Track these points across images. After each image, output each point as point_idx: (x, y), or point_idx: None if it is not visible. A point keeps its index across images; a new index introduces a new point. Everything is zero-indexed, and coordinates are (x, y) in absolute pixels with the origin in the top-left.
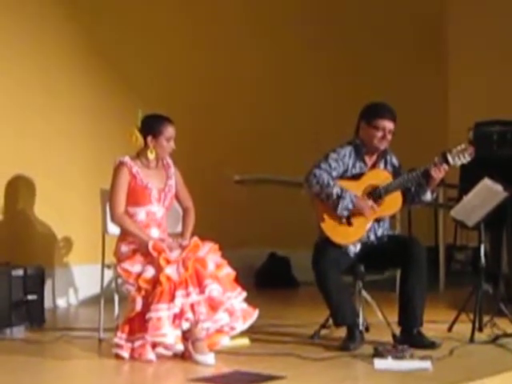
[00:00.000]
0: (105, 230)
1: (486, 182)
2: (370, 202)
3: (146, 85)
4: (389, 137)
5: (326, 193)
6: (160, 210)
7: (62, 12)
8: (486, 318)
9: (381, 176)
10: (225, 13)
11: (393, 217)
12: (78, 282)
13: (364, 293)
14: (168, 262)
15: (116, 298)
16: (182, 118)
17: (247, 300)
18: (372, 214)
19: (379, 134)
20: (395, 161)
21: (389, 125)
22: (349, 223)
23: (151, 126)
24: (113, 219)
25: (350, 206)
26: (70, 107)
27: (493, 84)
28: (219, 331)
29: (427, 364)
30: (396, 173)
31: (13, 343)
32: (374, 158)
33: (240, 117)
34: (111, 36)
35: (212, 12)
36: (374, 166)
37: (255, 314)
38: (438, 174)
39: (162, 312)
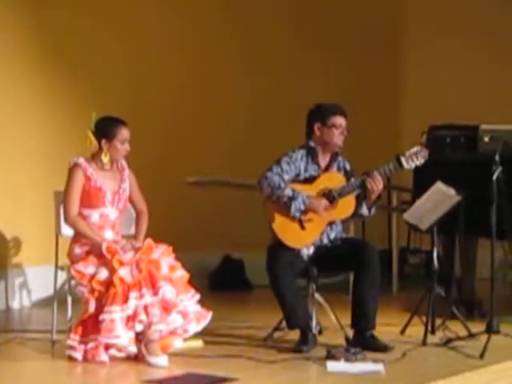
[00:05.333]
0: (58, 232)
1: (439, 186)
2: (325, 201)
3: (101, 84)
4: (345, 133)
5: (277, 195)
6: (114, 212)
7: (14, 5)
8: (438, 321)
9: (335, 179)
10: (195, 9)
11: (346, 220)
12: (31, 283)
13: (317, 295)
14: (121, 263)
15: (69, 299)
16: (139, 119)
17: (201, 302)
18: (327, 215)
19: (337, 131)
20: (347, 165)
21: (344, 121)
22: (302, 226)
23: (105, 129)
24: (66, 221)
25: (302, 207)
26: (19, 107)
27: (446, 86)
28: (172, 333)
29: (380, 367)
30: (348, 177)
31: None
32: (327, 160)
33: (194, 119)
34: (67, 32)
35: (180, 8)
36: (327, 168)
37: (209, 316)
38: (372, 185)
39: (116, 314)
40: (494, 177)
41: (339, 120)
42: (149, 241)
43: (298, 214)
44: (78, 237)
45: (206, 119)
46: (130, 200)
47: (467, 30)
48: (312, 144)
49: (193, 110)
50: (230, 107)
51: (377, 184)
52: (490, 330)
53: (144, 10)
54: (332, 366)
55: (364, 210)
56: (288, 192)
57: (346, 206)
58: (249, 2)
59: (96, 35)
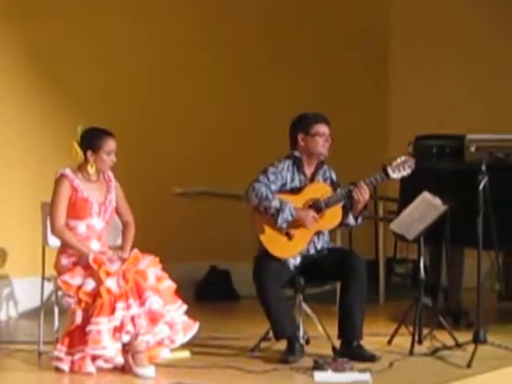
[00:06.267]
0: (45, 243)
1: (426, 196)
2: (312, 212)
3: (88, 95)
4: (329, 140)
5: (264, 206)
6: (100, 223)
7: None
8: (425, 331)
9: (321, 190)
10: (167, 20)
11: (333, 230)
12: (18, 294)
13: (304, 305)
14: (108, 274)
15: (56, 310)
16: (124, 131)
17: (188, 313)
18: (314, 225)
19: (321, 139)
20: (333, 175)
21: (327, 129)
22: (289, 236)
23: (90, 141)
24: (53, 232)
25: (290, 218)
26: (2, 118)
27: (432, 98)
28: (159, 344)
29: (367, 376)
30: (335, 187)
31: None
32: (313, 169)
33: (181, 131)
34: (54, 43)
35: (161, 16)
36: (312, 177)
37: (196, 326)
38: (359, 195)
39: (102, 325)
40: (481, 186)
41: (322, 128)
42: (135, 251)
43: (284, 226)
44: (64, 247)
45: (192, 132)
46: (117, 211)
47: (451, 44)
48: (297, 154)
49: (178, 121)
50: (214, 119)
51: (363, 194)
52: (477, 340)
53: (117, 19)
54: (319, 376)
55: (350, 220)
56: (276, 203)
57: (333, 216)
58: (221, 10)
59: (73, 45)
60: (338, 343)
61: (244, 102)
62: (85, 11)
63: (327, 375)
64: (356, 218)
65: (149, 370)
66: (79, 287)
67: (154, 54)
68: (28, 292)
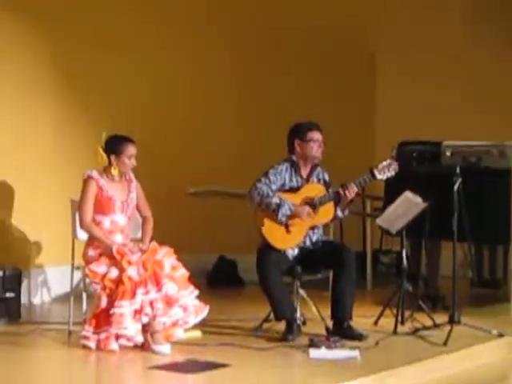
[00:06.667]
0: (74, 236)
1: (407, 195)
2: (307, 208)
3: (111, 104)
4: (322, 145)
5: (265, 203)
6: (123, 218)
7: (32, 34)
8: (407, 313)
9: (315, 189)
10: (197, 44)
11: (326, 224)
12: (51, 281)
13: (301, 291)
14: (130, 263)
15: (84, 295)
16: (144, 138)
17: (199, 297)
18: (309, 219)
19: (315, 144)
20: (326, 176)
21: (319, 135)
22: (287, 230)
23: (114, 147)
24: (81, 226)
25: (289, 213)
26: (44, 129)
27: (413, 108)
28: (174, 324)
29: (356, 353)
30: (327, 187)
31: None
32: (308, 171)
33: (194, 138)
34: (83, 61)
35: (193, 42)
36: (308, 178)
37: (206, 309)
38: (347, 194)
39: (125, 308)
40: (455, 187)
41: (315, 134)
42: (153, 243)
43: (284, 219)
44: (91, 240)
45: (203, 139)
46: (137, 208)
47: (430, 61)
48: (294, 158)
49: (193, 131)
50: (223, 128)
51: (351, 193)
52: (452, 321)
53: (154, 44)
54: (314, 352)
55: (339, 212)
56: (276, 200)
57: (326, 212)
58: (241, 40)
59: (108, 65)
60: (330, 324)
61: (256, 115)
62: (122, 37)
63: (321, 352)
64: (343, 211)
65: (165, 348)
66: (104, 275)
67: (184, 73)
68: (59, 279)
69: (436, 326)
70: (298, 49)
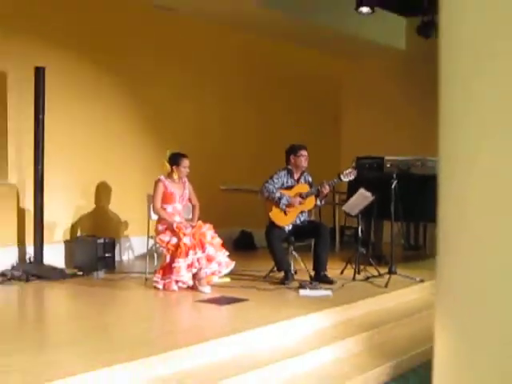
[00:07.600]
0: (149, 217)
1: (362, 191)
2: (299, 199)
3: (171, 131)
4: (307, 159)
5: (271, 197)
6: (180, 206)
7: (111, 71)
8: (361, 267)
9: (303, 187)
10: (225, 88)
11: (310, 210)
12: (134, 245)
13: (294, 253)
14: (184, 234)
15: (155, 255)
16: (192, 153)
17: (229, 256)
18: (300, 206)
19: (303, 158)
20: (310, 179)
21: (306, 152)
22: (285, 213)
23: (174, 160)
24: (154, 211)
25: (286, 203)
26: (130, 149)
27: (369, 136)
28: (213, 273)
29: (329, 292)
30: (311, 185)
31: (97, 281)
32: (298, 175)
33: (226, 152)
34: (162, 94)
35: (225, 79)
36: (298, 180)
37: (233, 264)
38: (323, 190)
39: (181, 263)
40: (393, 186)
41: (303, 152)
42: (199, 222)
43: (284, 207)
44: (160, 220)
45: (230, 153)
46: (189, 199)
47: (380, 103)
48: (289, 167)
49: (223, 148)
50: (246, 146)
51: (326, 189)
52: (391, 272)
53: (194, 87)
54: (302, 292)
55: (318, 202)
56: (278, 194)
57: (310, 202)
58: (255, 85)
59: (170, 103)
60: (312, 273)
61: (266, 138)
62: (175, 77)
63: (307, 292)
64: (321, 201)
65: (207, 288)
66: (168, 242)
67: (215, 108)
68: (139, 244)
69: (380, 275)
70: (292, 94)
